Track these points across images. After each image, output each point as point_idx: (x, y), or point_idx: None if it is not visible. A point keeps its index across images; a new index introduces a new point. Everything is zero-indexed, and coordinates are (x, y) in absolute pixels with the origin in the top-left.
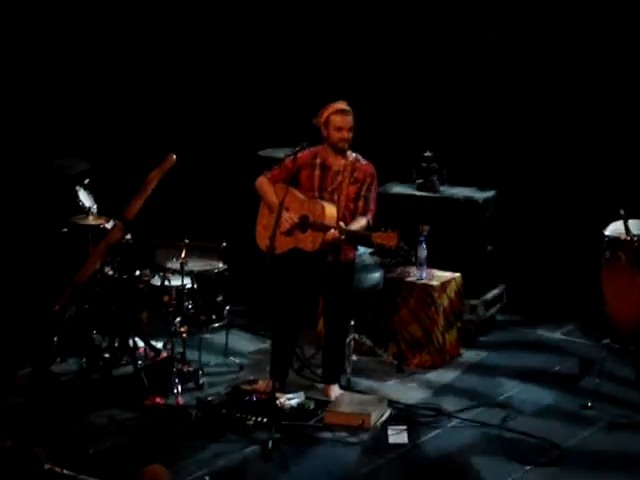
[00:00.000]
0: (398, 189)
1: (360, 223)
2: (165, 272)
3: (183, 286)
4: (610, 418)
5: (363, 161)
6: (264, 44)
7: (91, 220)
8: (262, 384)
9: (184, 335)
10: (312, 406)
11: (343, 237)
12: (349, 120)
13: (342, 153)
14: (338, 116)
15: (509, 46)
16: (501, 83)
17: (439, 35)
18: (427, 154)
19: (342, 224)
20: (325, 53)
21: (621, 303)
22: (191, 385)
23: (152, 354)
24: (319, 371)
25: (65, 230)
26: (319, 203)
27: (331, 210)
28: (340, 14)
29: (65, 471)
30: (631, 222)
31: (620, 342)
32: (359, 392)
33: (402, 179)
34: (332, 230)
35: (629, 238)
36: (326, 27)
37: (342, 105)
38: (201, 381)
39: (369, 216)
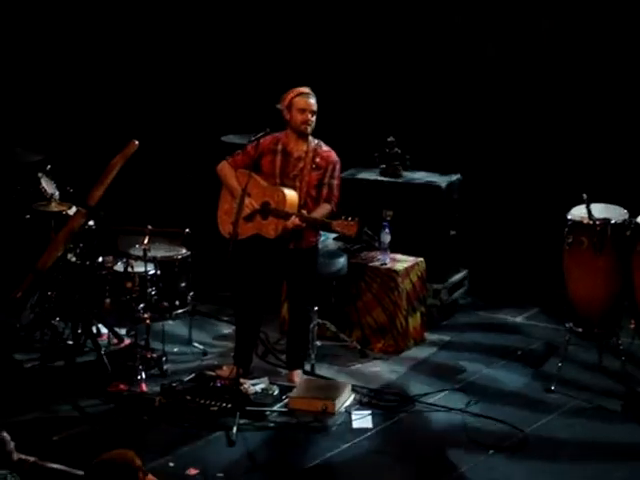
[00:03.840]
0: (361, 174)
1: (323, 210)
2: (128, 258)
3: (146, 272)
4: (573, 402)
5: (325, 147)
6: (227, 30)
7: (53, 207)
8: (226, 370)
9: (147, 321)
10: (276, 391)
11: (304, 224)
12: (313, 103)
13: (304, 137)
14: (302, 98)
15: (470, 29)
16: (463, 68)
17: (400, 20)
18: (390, 139)
19: (304, 211)
20: (288, 39)
21: (583, 287)
22: (155, 371)
23: (115, 341)
24: (283, 357)
25: (27, 217)
26: (280, 190)
27: (292, 197)
28: (302, 0)
29: (33, 459)
30: (593, 206)
31: (583, 326)
32: (323, 377)
33: (365, 164)
34: (293, 217)
35: (591, 222)
36: (289, 13)
37: (306, 89)
38: (165, 367)
39: (333, 203)
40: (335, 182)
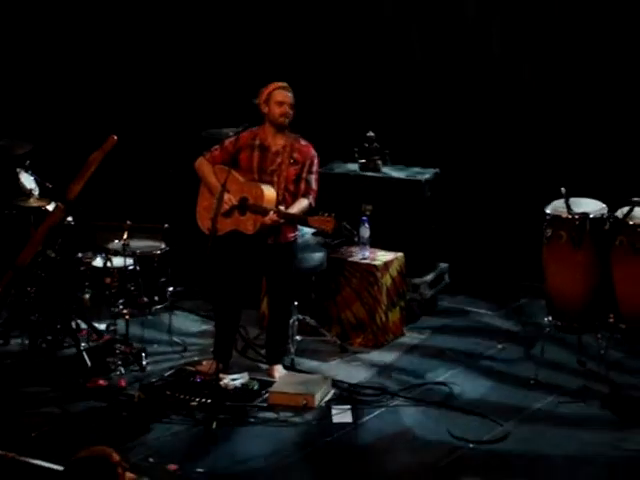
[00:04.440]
0: (341, 169)
1: (301, 205)
2: (107, 254)
3: (125, 267)
4: (552, 395)
5: (303, 142)
6: (206, 25)
7: (32, 202)
8: (206, 365)
9: (127, 317)
10: (256, 387)
11: (282, 220)
12: (290, 96)
13: (282, 131)
14: (279, 91)
15: (447, 25)
16: (440, 63)
17: (377, 16)
18: (369, 134)
19: (281, 207)
20: (267, 33)
21: (562, 281)
22: (134, 367)
23: (95, 336)
24: (263, 352)
25: (6, 212)
26: (258, 186)
27: (270, 193)
28: None
29: (12, 454)
30: (572, 200)
31: (562, 320)
32: (303, 372)
33: (345, 159)
34: (270, 213)
35: (570, 216)
36: (268, 8)
37: (283, 83)
38: (144, 363)
39: (311, 198)
40: (313, 176)
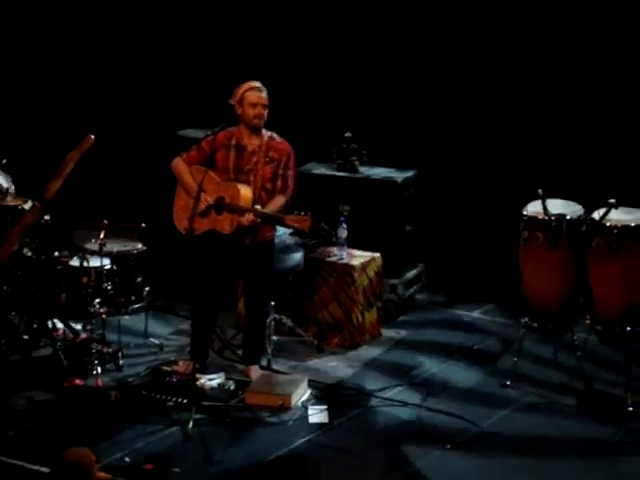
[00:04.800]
0: (318, 170)
1: (277, 203)
2: (84, 253)
3: (102, 267)
4: (528, 397)
5: (278, 139)
6: (182, 25)
7: (9, 201)
8: (182, 365)
9: (103, 316)
10: (232, 387)
11: (258, 220)
12: (263, 97)
13: (257, 132)
14: (253, 92)
15: (426, 23)
16: (418, 63)
17: (355, 16)
18: (347, 135)
19: (258, 207)
20: (243, 33)
21: (539, 282)
22: (111, 366)
23: (71, 335)
24: (240, 352)
25: None
26: (235, 185)
27: (246, 192)
28: None
29: None
30: (549, 201)
31: (538, 321)
32: (279, 372)
33: (322, 160)
34: (247, 213)
35: (547, 218)
36: (244, 8)
37: (256, 83)
38: (121, 362)
39: (287, 194)
40: (290, 173)
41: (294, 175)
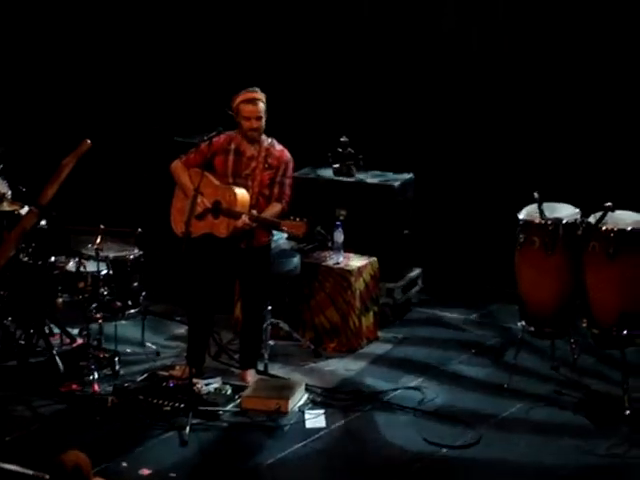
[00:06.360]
0: (315, 174)
1: (274, 209)
2: (80, 258)
3: (98, 272)
4: (525, 401)
5: (278, 147)
6: (180, 29)
7: (5, 206)
8: (179, 370)
9: (100, 321)
10: (229, 391)
11: (254, 224)
12: (257, 110)
13: (253, 143)
14: (246, 105)
15: (422, 27)
16: (415, 68)
17: (351, 20)
18: (343, 139)
19: (254, 211)
20: (241, 38)
21: (535, 286)
22: (107, 371)
23: (68, 341)
24: (236, 356)
25: None
26: (232, 189)
27: (243, 197)
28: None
29: None
30: (545, 205)
31: (534, 325)
32: (276, 377)
33: (318, 164)
34: (243, 217)
35: (543, 222)
36: (242, 12)
37: (251, 94)
38: (117, 367)
39: (284, 202)
40: (287, 181)
41: (291, 183)
